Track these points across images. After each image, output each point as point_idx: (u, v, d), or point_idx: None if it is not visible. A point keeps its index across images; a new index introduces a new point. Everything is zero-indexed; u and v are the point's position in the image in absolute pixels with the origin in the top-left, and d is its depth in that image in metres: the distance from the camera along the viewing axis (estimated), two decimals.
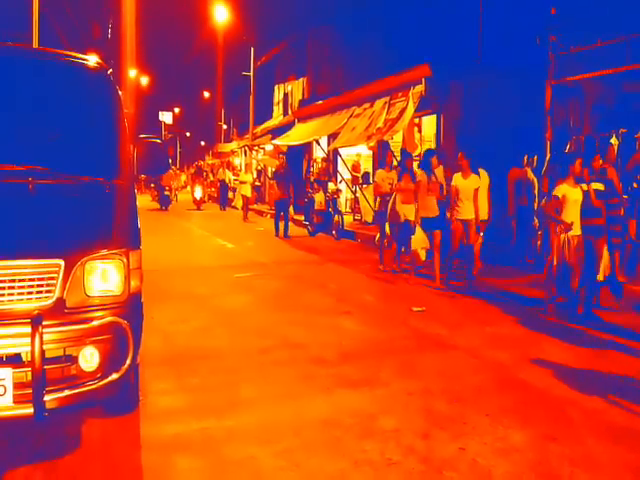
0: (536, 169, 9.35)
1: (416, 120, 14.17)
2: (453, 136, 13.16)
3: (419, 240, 8.33)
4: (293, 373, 4.82)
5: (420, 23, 15.18)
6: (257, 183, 25.20)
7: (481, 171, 8.22)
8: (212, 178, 30.31)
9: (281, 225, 14.71)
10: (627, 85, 10.68)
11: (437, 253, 8.29)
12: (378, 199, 9.89)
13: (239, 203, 21.83)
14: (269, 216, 20.73)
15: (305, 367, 4.95)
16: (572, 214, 6.49)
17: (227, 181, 25.31)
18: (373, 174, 16.78)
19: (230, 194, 24.98)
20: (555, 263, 6.64)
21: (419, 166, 11.47)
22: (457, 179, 7.92)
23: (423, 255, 8.32)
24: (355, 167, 18.21)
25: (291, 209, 16.27)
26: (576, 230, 6.50)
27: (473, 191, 7.87)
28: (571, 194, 6.52)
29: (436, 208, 8.30)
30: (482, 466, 3.35)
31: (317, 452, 3.49)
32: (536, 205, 9.02)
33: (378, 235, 9.92)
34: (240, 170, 26.79)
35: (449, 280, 8.27)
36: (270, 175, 25.23)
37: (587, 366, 5.13)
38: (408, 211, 8.80)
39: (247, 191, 20.24)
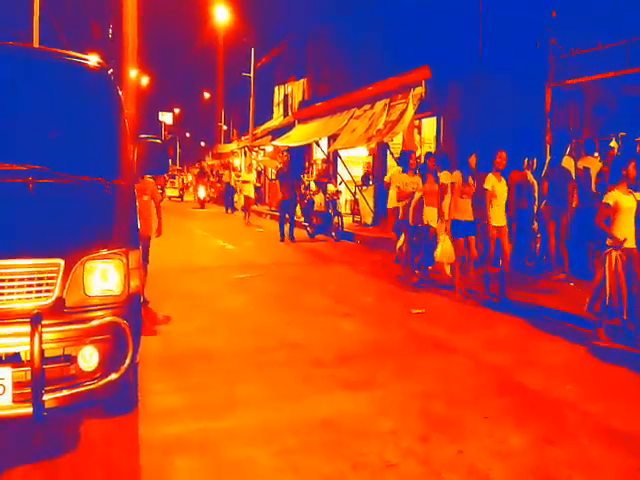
0: (536, 172, 9.35)
1: (416, 122, 14.20)
2: (453, 138, 13.18)
3: (446, 252, 7.55)
4: (292, 374, 4.82)
5: (420, 25, 15.19)
6: (257, 184, 24.90)
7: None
8: (212, 179, 30.41)
9: (285, 227, 13.96)
10: (627, 88, 10.71)
11: (473, 260, 7.65)
12: (401, 205, 8.87)
13: (240, 203, 21.25)
14: (269, 217, 20.74)
15: (304, 368, 4.95)
16: (625, 225, 5.70)
17: (232, 183, 24.26)
18: (374, 176, 16.82)
19: (235, 197, 23.94)
20: (607, 284, 5.64)
21: (419, 169, 11.53)
22: (492, 181, 7.32)
23: (448, 270, 7.60)
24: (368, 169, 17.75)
25: (298, 209, 15.52)
26: (630, 242, 5.68)
27: (507, 195, 7.40)
28: (624, 201, 5.72)
29: (471, 211, 7.56)
30: (480, 469, 3.35)
31: (315, 453, 3.49)
32: (536, 208, 9.02)
33: (400, 243, 8.99)
34: (240, 170, 26.67)
35: (483, 293, 7.57)
36: (270, 176, 25.28)
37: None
38: (431, 216, 8.38)
39: (250, 191, 19.36)
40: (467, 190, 7.57)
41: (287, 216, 14.02)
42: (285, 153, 16.06)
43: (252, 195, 19.59)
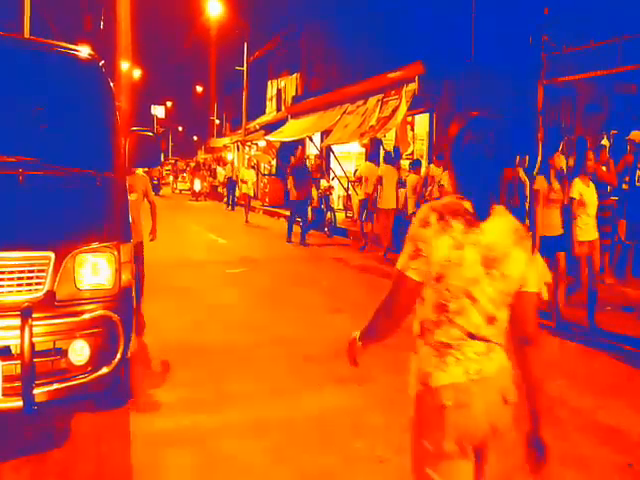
0: (528, 169, 9.39)
1: (409, 118, 14.19)
2: (446, 135, 13.18)
3: (540, 271, 6.92)
4: (284, 369, 4.82)
5: (414, 21, 15.19)
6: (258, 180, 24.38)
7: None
8: (205, 173, 30.45)
9: (295, 228, 12.84)
10: (618, 86, 10.76)
11: (563, 283, 6.32)
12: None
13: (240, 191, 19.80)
14: (261, 212, 20.70)
15: (296, 363, 4.95)
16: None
17: (234, 178, 22.58)
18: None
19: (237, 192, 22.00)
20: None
21: (410, 167, 11.57)
22: (579, 187, 6.13)
23: (546, 293, 6.11)
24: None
25: (309, 210, 14.22)
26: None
27: (597, 203, 6.26)
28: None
29: (560, 224, 6.25)
30: None
31: (307, 448, 3.50)
32: (527, 205, 9.06)
33: None
34: (233, 165, 26.54)
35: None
36: (263, 171, 25.19)
37: (576, 366, 5.17)
38: None
39: (249, 189, 18.41)
40: (554, 197, 6.22)
41: (297, 217, 12.95)
42: (300, 147, 14.36)
43: (252, 193, 18.68)
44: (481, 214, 1.80)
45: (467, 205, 1.81)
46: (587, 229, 6.11)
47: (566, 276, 6.31)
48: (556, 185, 6.24)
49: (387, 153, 12.11)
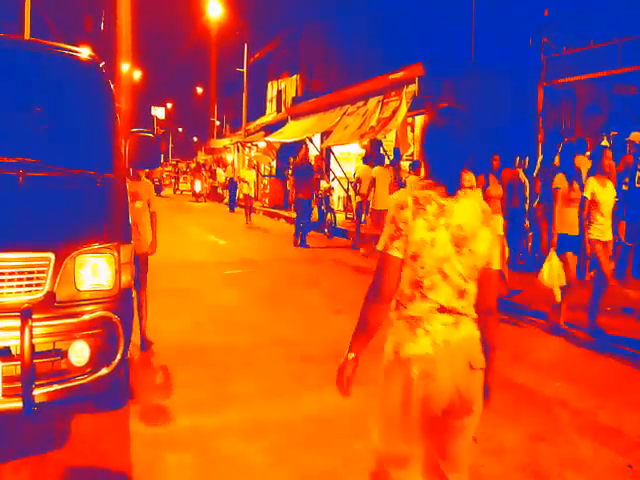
0: (528, 171, 9.39)
1: (409, 119, 14.20)
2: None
3: (555, 273, 6.03)
4: (283, 370, 4.82)
5: (414, 23, 15.21)
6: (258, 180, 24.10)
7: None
8: (205, 174, 30.54)
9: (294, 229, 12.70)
10: (618, 88, 10.77)
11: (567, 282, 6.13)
12: None
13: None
14: (261, 213, 20.70)
15: (296, 364, 4.95)
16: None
17: (236, 179, 22.18)
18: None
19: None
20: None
21: (410, 169, 11.57)
22: (594, 186, 5.97)
23: (559, 295, 6.05)
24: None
25: (315, 212, 14.06)
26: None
27: (614, 203, 6.12)
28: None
29: (577, 224, 6.10)
30: (471, 466, 3.34)
31: (307, 449, 3.49)
32: (527, 207, 9.06)
33: None
34: (234, 166, 26.55)
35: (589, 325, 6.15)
36: (263, 172, 25.18)
37: (577, 367, 5.17)
38: (497, 225, 7.55)
39: (250, 191, 17.85)
40: (574, 197, 6.10)
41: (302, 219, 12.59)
42: (304, 146, 14.03)
43: (252, 194, 18.19)
44: (451, 192, 2.00)
45: (439, 189, 2.00)
46: (602, 229, 5.96)
47: (575, 278, 6.16)
48: (575, 185, 6.17)
49: (379, 155, 12.12)
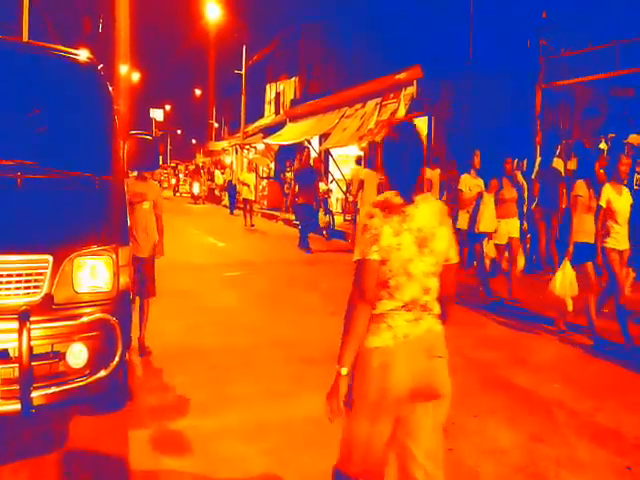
0: (526, 173, 9.41)
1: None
2: (444, 138, 13.23)
3: (568, 283, 5.81)
4: (282, 371, 4.82)
5: (412, 25, 15.24)
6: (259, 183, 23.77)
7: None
8: (204, 177, 30.59)
9: (295, 230, 12.48)
10: (616, 90, 10.79)
11: (593, 294, 5.87)
12: (465, 214, 7.60)
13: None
14: (260, 215, 20.70)
15: (294, 366, 4.95)
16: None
17: (234, 182, 21.94)
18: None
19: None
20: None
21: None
22: (609, 193, 5.71)
23: (571, 304, 5.86)
24: None
25: (321, 214, 13.80)
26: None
27: (629, 211, 5.84)
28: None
29: (594, 232, 5.82)
30: (470, 467, 3.36)
31: (306, 451, 3.49)
32: (526, 209, 9.08)
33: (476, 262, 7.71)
34: (232, 168, 26.54)
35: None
36: (262, 174, 25.19)
37: (574, 369, 5.18)
38: (512, 227, 7.33)
39: (250, 194, 17.44)
40: (594, 204, 5.83)
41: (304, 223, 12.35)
42: (306, 149, 13.71)
43: (253, 197, 17.76)
44: (408, 200, 2.20)
45: (398, 199, 2.20)
46: (619, 238, 5.71)
47: (597, 286, 5.95)
48: (591, 193, 5.90)
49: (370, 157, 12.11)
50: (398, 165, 2.26)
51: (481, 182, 7.43)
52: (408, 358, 2.16)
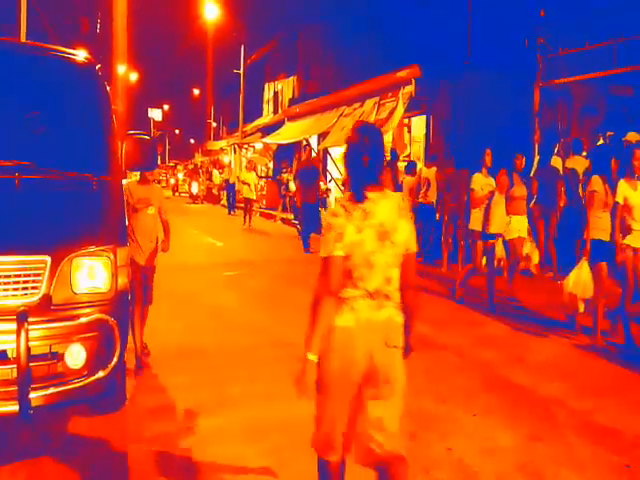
0: (524, 171, 9.40)
1: (405, 120, 14.20)
2: (442, 137, 13.22)
3: (582, 283, 5.61)
4: (281, 371, 4.79)
5: (410, 24, 15.23)
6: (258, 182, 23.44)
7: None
8: (202, 176, 30.59)
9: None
10: (614, 88, 10.80)
11: (603, 295, 5.70)
12: (476, 212, 7.38)
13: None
14: (258, 214, 20.68)
15: (293, 366, 4.92)
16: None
17: (232, 181, 21.57)
18: None
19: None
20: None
21: (406, 171, 11.56)
22: (625, 189, 5.54)
23: (582, 306, 5.72)
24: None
25: (322, 213, 13.36)
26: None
27: None
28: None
29: (610, 229, 5.65)
30: (469, 466, 3.36)
31: (305, 451, 3.46)
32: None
33: (484, 260, 7.38)
34: (230, 167, 26.47)
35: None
36: (260, 173, 25.17)
37: (573, 367, 5.18)
38: (522, 226, 7.22)
39: (250, 193, 17.27)
40: (610, 201, 5.65)
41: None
42: (308, 148, 13.37)
43: (253, 196, 17.58)
44: (359, 199, 2.39)
45: (353, 198, 2.40)
46: (636, 235, 5.54)
47: (609, 288, 5.72)
48: (607, 188, 5.72)
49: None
50: (354, 165, 2.45)
51: (492, 181, 7.32)
52: (367, 342, 2.37)
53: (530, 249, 7.33)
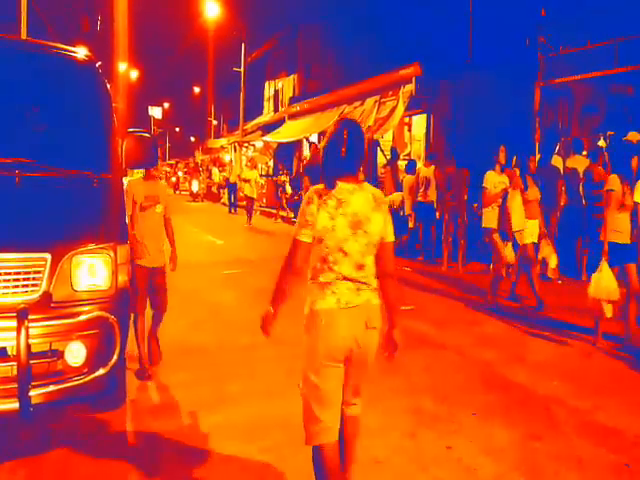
0: (524, 171, 9.39)
1: (406, 119, 14.19)
2: (443, 136, 13.21)
3: (605, 286, 5.35)
4: (280, 369, 4.81)
5: (411, 22, 15.22)
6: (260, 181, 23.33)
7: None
8: (202, 175, 30.58)
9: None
10: (615, 87, 10.79)
11: (633, 299, 5.47)
12: (489, 211, 7.18)
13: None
14: (259, 213, 20.68)
15: (292, 363, 4.92)
16: None
17: (233, 180, 21.41)
18: (365, 174, 16.77)
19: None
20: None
21: (406, 170, 11.55)
22: None
23: (610, 311, 5.42)
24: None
25: None
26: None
27: None
28: None
29: (629, 231, 5.42)
30: (469, 464, 3.37)
31: (304, 449, 3.48)
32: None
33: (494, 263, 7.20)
34: (231, 166, 26.44)
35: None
36: (261, 171, 25.15)
37: (573, 367, 5.18)
38: (535, 229, 7.08)
39: (252, 191, 17.32)
40: (629, 201, 5.40)
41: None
42: (314, 145, 13.35)
43: (255, 195, 17.59)
44: (329, 187, 2.56)
45: (324, 187, 2.57)
46: None
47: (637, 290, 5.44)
48: (626, 189, 5.42)
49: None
50: (331, 155, 2.60)
51: (506, 179, 7.16)
52: (349, 322, 2.56)
53: (548, 252, 7.09)
